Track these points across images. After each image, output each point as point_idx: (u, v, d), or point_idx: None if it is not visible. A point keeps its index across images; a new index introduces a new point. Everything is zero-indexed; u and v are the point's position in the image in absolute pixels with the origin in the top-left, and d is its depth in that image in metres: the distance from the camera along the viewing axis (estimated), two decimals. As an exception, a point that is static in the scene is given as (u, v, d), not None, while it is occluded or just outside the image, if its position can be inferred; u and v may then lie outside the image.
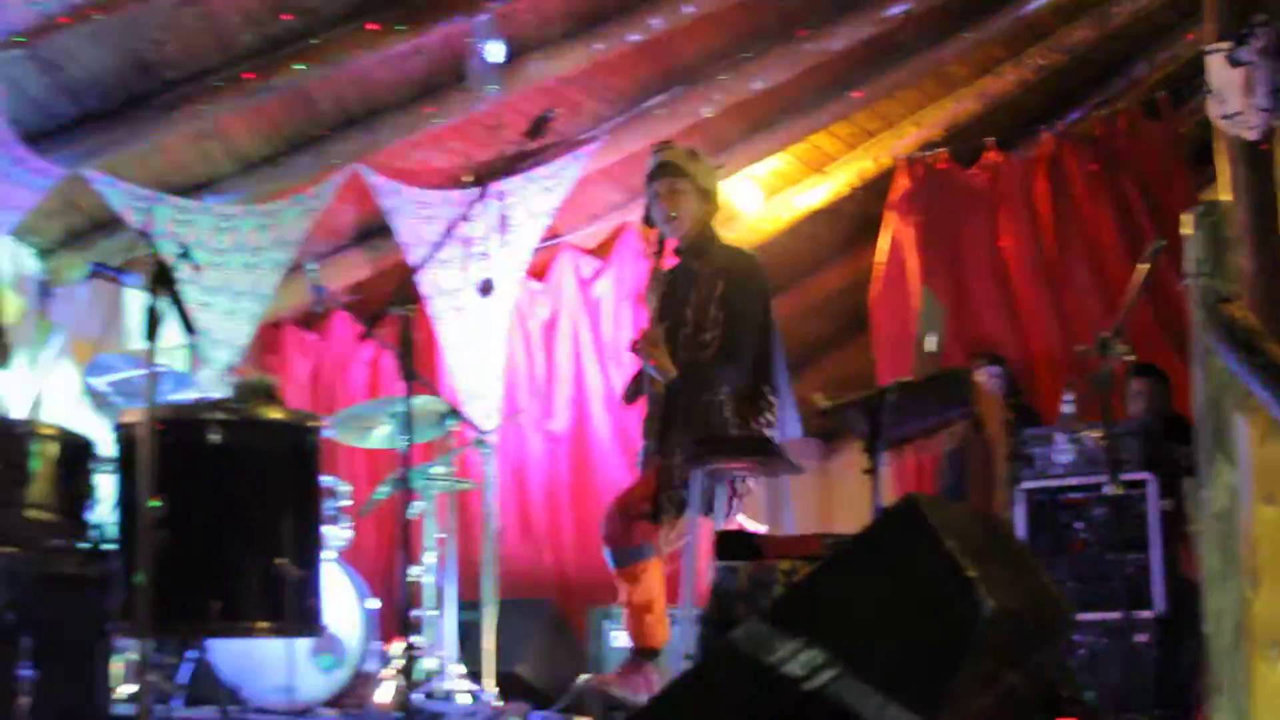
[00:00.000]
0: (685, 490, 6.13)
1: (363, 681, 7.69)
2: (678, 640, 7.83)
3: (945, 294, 10.19)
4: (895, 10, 9.30)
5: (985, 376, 8.54)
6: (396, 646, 7.50)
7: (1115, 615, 6.54)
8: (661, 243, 6.42)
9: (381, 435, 8.10)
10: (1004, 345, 9.82)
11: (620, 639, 8.30)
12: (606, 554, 6.40)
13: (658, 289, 6.43)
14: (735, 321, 6.20)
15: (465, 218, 5.30)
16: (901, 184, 10.70)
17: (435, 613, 7.80)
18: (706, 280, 6.27)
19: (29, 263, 9.52)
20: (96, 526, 5.31)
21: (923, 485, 9.80)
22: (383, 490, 8.35)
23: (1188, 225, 3.58)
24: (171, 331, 4.62)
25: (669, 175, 6.30)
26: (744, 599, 5.60)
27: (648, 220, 6.49)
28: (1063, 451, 7.15)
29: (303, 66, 8.26)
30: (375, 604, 7.87)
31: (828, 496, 14.49)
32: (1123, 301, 5.82)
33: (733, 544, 5.87)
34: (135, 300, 9.85)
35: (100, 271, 8.89)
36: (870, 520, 4.91)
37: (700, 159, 6.44)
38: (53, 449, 5.02)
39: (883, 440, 6.27)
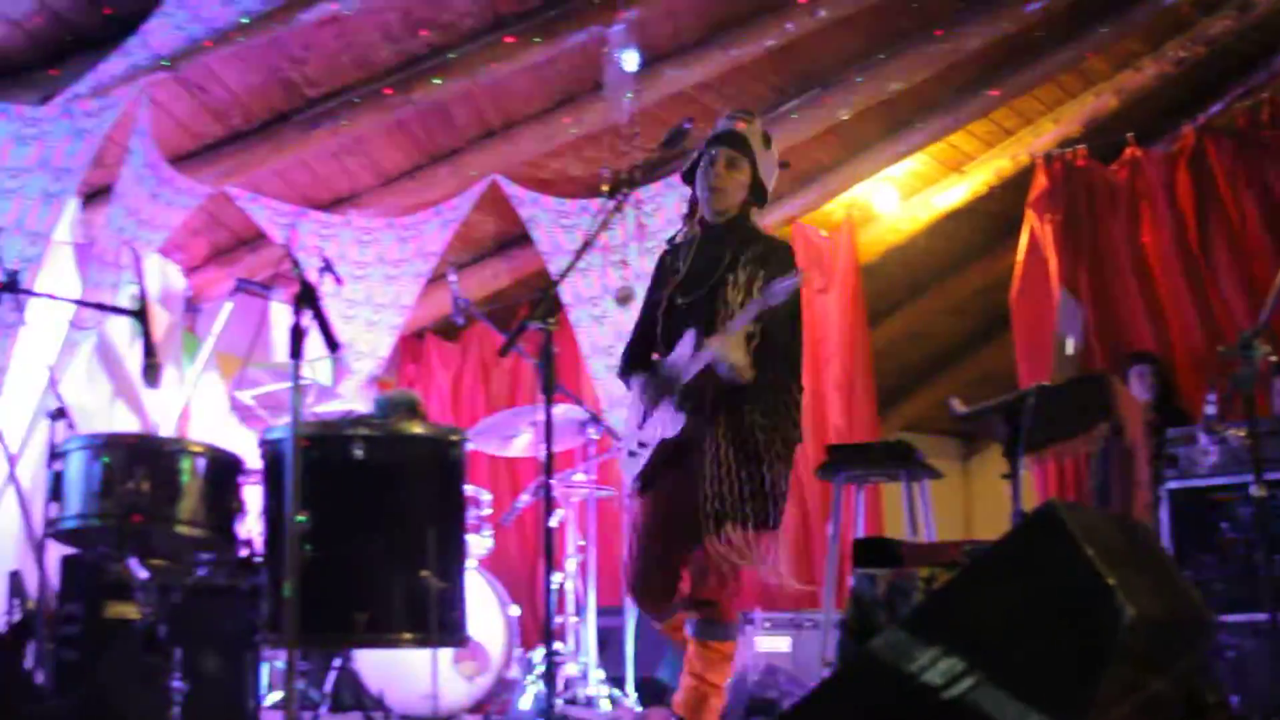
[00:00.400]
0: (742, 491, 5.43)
1: (505, 688, 7.75)
2: (819, 645, 7.85)
3: (1086, 293, 10.09)
4: (1032, 7, 9.20)
5: (1135, 377, 8.43)
6: (538, 653, 7.57)
7: (1263, 616, 6.40)
8: (693, 208, 5.76)
9: (522, 444, 8.17)
10: (1147, 344, 9.68)
11: (765, 644, 8.30)
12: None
13: (673, 260, 5.66)
14: (776, 314, 5.77)
15: (605, 226, 5.25)
16: (1040, 182, 10.56)
17: (576, 619, 7.84)
18: (746, 267, 5.57)
19: (176, 280, 9.70)
20: (244, 540, 5.41)
21: (1065, 489, 9.70)
22: (524, 498, 8.42)
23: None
24: (315, 345, 4.67)
25: (734, 148, 5.63)
26: (883, 606, 5.55)
27: (687, 178, 5.78)
28: (1207, 452, 7.04)
29: (440, 81, 8.34)
30: (517, 611, 7.92)
31: (969, 501, 14.43)
32: (1267, 299, 5.71)
33: (872, 551, 5.82)
34: (280, 315, 10.00)
35: (245, 287, 9.02)
36: (1009, 527, 4.84)
37: (771, 151, 5.78)
38: (202, 465, 5.12)
39: (1022, 445, 6.21)
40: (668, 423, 5.31)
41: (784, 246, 5.70)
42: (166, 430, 8.63)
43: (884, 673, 3.71)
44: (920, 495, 7.73)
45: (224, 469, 5.23)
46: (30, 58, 7.48)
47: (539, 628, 8.41)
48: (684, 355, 5.33)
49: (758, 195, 5.60)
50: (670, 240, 5.78)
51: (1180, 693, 4.26)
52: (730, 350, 5.22)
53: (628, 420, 5.57)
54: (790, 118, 9.81)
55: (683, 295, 5.49)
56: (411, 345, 11.51)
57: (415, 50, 8.31)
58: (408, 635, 5.19)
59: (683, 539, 5.33)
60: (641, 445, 5.42)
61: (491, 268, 10.85)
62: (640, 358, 5.67)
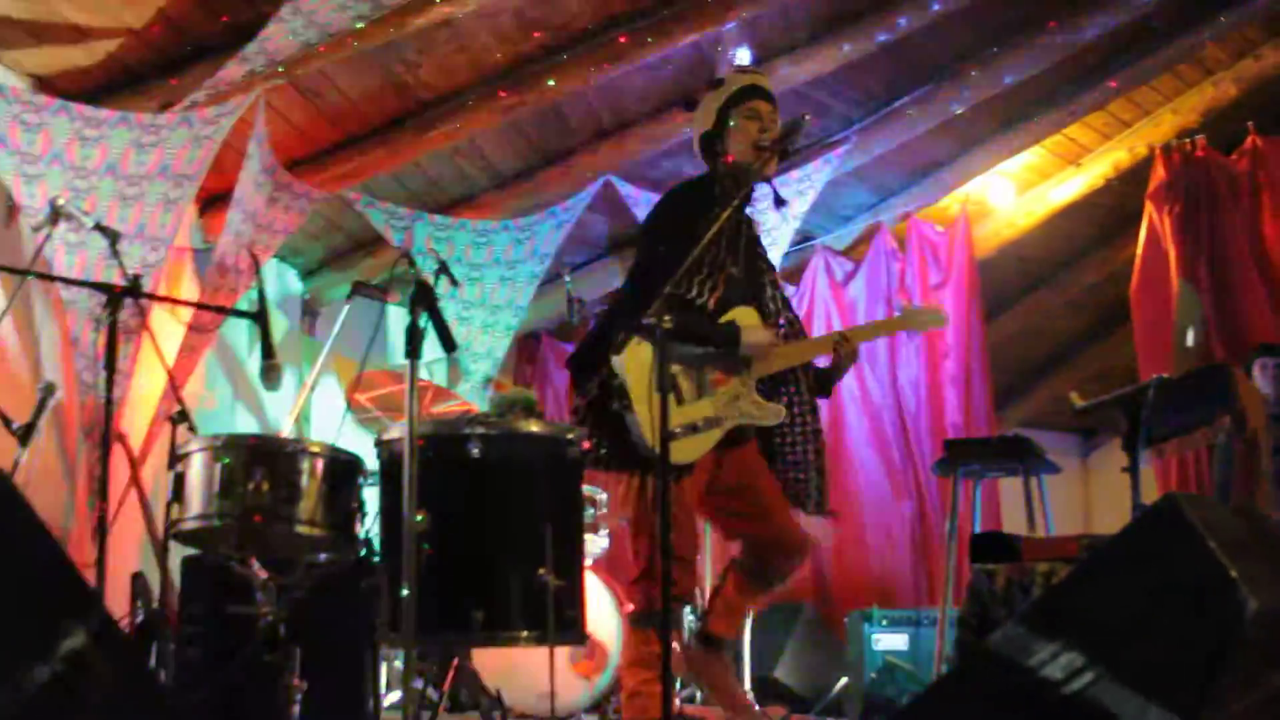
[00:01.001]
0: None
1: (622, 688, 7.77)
2: (937, 641, 7.80)
3: (1207, 284, 9.97)
4: (1148, -4, 9.13)
5: (1259, 369, 8.33)
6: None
7: None
8: (726, 175, 5.41)
9: (641, 442, 8.18)
10: (1268, 336, 9.54)
11: (883, 641, 8.26)
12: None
13: (705, 216, 5.05)
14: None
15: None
16: (1159, 174, 10.45)
17: (692, 618, 7.85)
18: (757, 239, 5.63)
19: (293, 284, 9.82)
20: (364, 540, 5.45)
21: (1186, 483, 9.59)
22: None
23: None
24: (432, 346, 4.71)
25: (770, 102, 5.50)
26: (1002, 601, 5.52)
27: (707, 140, 5.49)
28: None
29: (553, 82, 8.37)
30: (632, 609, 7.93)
31: (1087, 496, 14.29)
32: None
33: (990, 546, 5.79)
34: (395, 317, 10.10)
35: (362, 290, 9.11)
36: (1129, 521, 4.79)
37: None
38: (321, 465, 5.16)
39: (1143, 438, 6.14)
40: (749, 409, 5.28)
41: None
42: (285, 432, 8.72)
43: (1003, 668, 3.68)
44: (1039, 490, 7.67)
45: (343, 469, 5.27)
46: (150, 66, 7.63)
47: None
48: (760, 335, 5.31)
49: (791, 152, 5.54)
50: (679, 194, 5.55)
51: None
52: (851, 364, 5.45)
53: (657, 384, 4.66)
54: (904, 113, 9.77)
55: (735, 265, 5.38)
56: (527, 346, 11.59)
57: (529, 52, 8.37)
58: (525, 634, 5.19)
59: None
60: (695, 427, 5.26)
61: (605, 268, 10.89)
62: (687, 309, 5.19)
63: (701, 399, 5.24)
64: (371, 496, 5.42)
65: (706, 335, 5.24)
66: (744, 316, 5.32)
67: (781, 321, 5.45)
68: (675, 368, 5.17)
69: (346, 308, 9.01)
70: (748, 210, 5.58)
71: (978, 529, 7.91)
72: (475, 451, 5.16)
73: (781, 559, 5.46)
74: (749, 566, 5.53)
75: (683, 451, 5.16)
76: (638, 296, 5.13)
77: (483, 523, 5.20)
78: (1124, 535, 3.83)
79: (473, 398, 9.65)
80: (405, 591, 4.37)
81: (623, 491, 5.37)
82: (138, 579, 6.48)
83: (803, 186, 9.72)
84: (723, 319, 5.29)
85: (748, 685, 8.10)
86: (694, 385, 5.24)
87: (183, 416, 5.95)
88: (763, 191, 5.59)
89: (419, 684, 7.08)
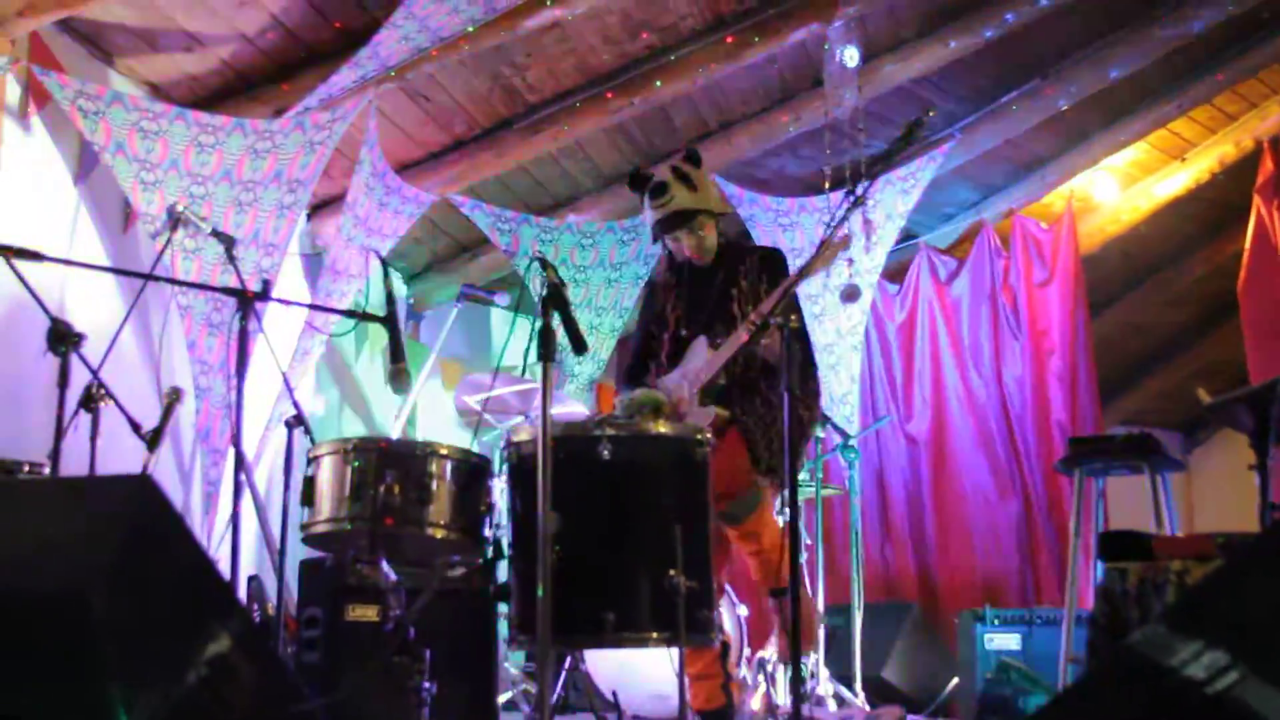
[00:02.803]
0: None
1: (735, 688, 7.75)
2: (1062, 641, 7.73)
3: (1319, 279, 9.88)
4: (1256, -11, 9.02)
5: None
6: (767, 652, 7.56)
7: None
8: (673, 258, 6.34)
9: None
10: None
11: (996, 640, 8.21)
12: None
13: (662, 298, 6.37)
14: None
15: (844, 221, 5.21)
16: (1267, 167, 10.33)
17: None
18: (746, 278, 6.11)
19: (399, 287, 9.86)
20: (493, 542, 5.46)
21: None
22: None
23: None
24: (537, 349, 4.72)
25: (683, 226, 6.11)
26: (1135, 600, 5.47)
27: (659, 240, 6.31)
28: None
29: (660, 83, 8.37)
30: (745, 611, 7.92)
31: (1191, 494, 14.16)
32: None
33: (1121, 544, 5.72)
34: (500, 320, 10.13)
35: (468, 293, 9.14)
36: (1259, 519, 4.73)
37: (692, 176, 6.19)
38: (450, 468, 5.18)
39: (1273, 435, 6.07)
40: (694, 417, 5.86)
41: (778, 252, 6.28)
42: (393, 435, 8.76)
43: (1143, 668, 3.63)
44: (1162, 487, 7.59)
45: (472, 471, 5.29)
46: (264, 72, 7.68)
47: (766, 628, 8.39)
48: (692, 361, 6.03)
49: (722, 217, 6.35)
50: (649, 280, 6.54)
51: None
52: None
53: None
54: (1009, 109, 9.73)
55: (686, 328, 6.16)
56: (630, 348, 11.58)
57: (635, 53, 8.39)
58: (656, 635, 5.19)
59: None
60: None
61: (709, 268, 10.89)
62: (637, 379, 6.37)
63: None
64: (502, 499, 5.45)
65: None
66: (693, 347, 6.08)
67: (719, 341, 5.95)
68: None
69: (454, 311, 9.06)
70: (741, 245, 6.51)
71: (1100, 528, 7.83)
72: (605, 453, 5.16)
73: None
74: None
75: None
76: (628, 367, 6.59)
77: (613, 524, 5.20)
78: (1269, 532, 3.79)
79: (578, 399, 9.66)
80: (540, 592, 4.37)
81: None
82: (253, 582, 6.53)
83: (907, 185, 9.68)
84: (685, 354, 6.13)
85: (859, 686, 8.08)
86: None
87: (298, 420, 5.97)
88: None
89: (529, 686, 7.12)
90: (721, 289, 6.06)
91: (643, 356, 6.38)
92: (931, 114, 5.25)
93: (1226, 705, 3.48)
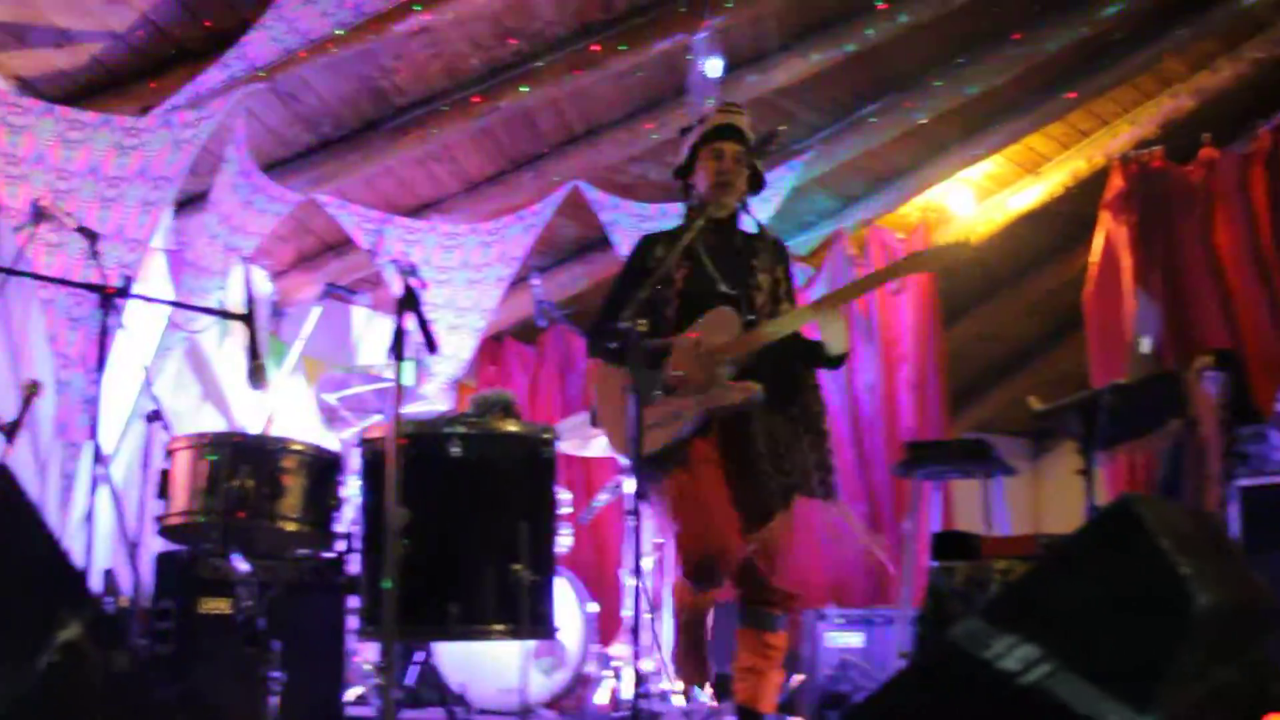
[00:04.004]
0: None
1: (582, 683, 7.89)
2: (895, 638, 7.95)
3: (1160, 293, 10.13)
4: (1109, 11, 9.27)
5: (1208, 378, 8.45)
6: (615, 649, 7.70)
7: None
8: (694, 206, 5.62)
9: (601, 444, 8.30)
10: (1219, 343, 9.70)
11: (838, 639, 8.40)
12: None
13: (666, 251, 5.42)
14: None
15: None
16: (1116, 183, 10.60)
17: (651, 616, 7.96)
18: (768, 251, 5.64)
19: (262, 284, 9.89)
20: (342, 535, 5.57)
21: (1137, 485, 9.74)
22: (602, 498, 8.55)
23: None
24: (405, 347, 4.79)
25: (737, 141, 5.56)
26: (961, 597, 5.67)
27: (681, 172, 5.69)
28: (1277, 448, 7.09)
29: (527, 89, 8.49)
30: (595, 608, 8.05)
31: (1038, 499, 14.47)
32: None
33: (951, 544, 5.94)
34: (363, 319, 10.19)
35: (331, 291, 9.20)
36: (1081, 522, 4.91)
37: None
38: (303, 463, 5.29)
39: (1098, 441, 6.32)
40: (719, 393, 5.20)
41: (783, 243, 5.76)
42: (253, 432, 8.81)
43: (961, 659, 3.80)
44: (995, 492, 7.83)
45: (324, 466, 5.40)
46: (132, 70, 7.70)
47: (615, 624, 8.53)
48: (718, 331, 5.28)
49: (755, 185, 5.64)
50: (651, 234, 5.70)
51: (1249, 682, 4.36)
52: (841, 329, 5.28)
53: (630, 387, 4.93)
54: (868, 121, 9.93)
55: (699, 288, 5.41)
56: (490, 347, 11.65)
57: (503, 59, 8.48)
58: (499, 627, 5.32)
59: (747, 519, 5.24)
60: (668, 419, 5.23)
61: (570, 271, 11.01)
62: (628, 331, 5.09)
63: (667, 396, 5.23)
64: (353, 494, 5.55)
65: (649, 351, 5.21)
66: (718, 314, 5.33)
67: (751, 317, 5.36)
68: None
69: (316, 309, 9.11)
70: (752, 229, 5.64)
71: (935, 529, 8.06)
72: (455, 450, 5.30)
73: (755, 597, 5.42)
74: (738, 599, 5.46)
75: (645, 444, 5.04)
76: (600, 317, 5.45)
77: (460, 519, 5.33)
78: (1081, 534, 3.97)
79: (437, 398, 9.75)
80: (387, 585, 4.47)
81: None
82: (108, 575, 6.57)
83: (767, 193, 9.83)
84: (700, 320, 5.31)
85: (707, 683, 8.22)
86: (654, 382, 5.22)
87: (157, 415, 6.03)
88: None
89: (378, 680, 7.19)
90: (742, 260, 5.56)
91: (621, 309, 5.15)
92: (779, 132, 5.39)
93: (1037, 696, 3.68)
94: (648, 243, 5.61)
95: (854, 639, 8.39)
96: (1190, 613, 3.42)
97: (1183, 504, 6.90)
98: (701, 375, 5.22)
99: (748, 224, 5.58)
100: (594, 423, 5.44)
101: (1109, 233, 10.55)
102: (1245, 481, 7.24)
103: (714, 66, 8.49)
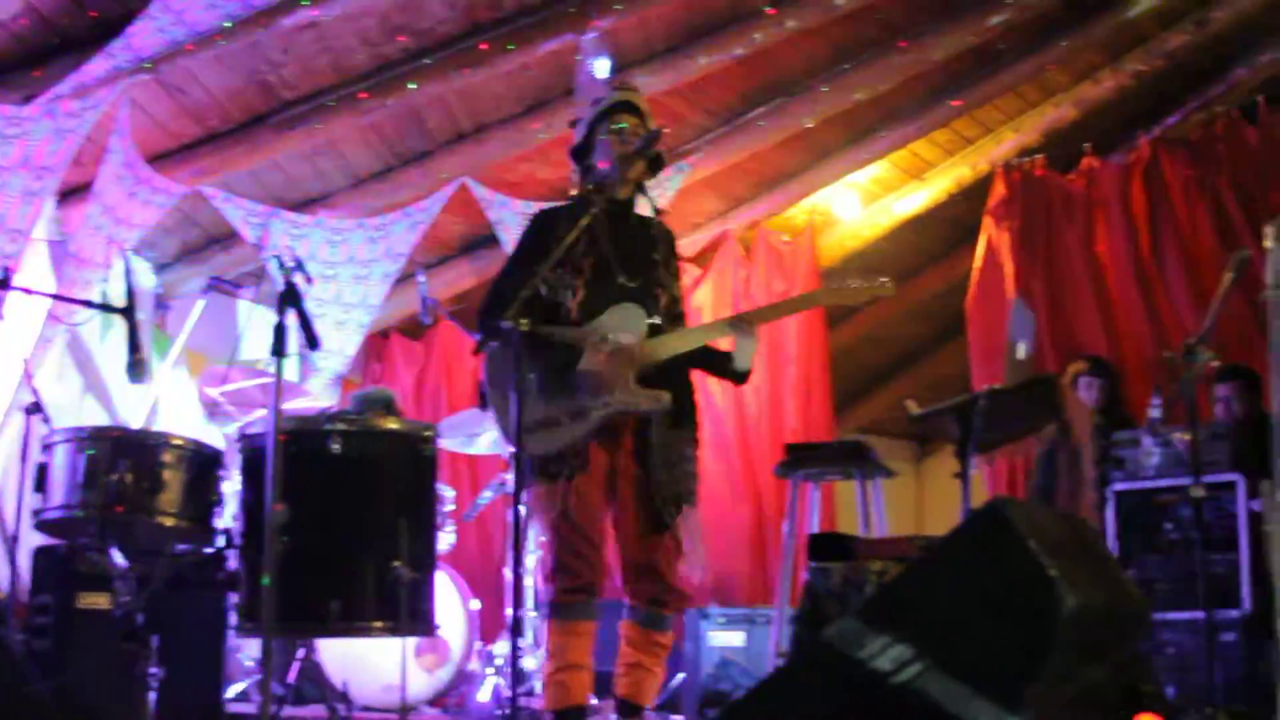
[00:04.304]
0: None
1: (464, 681, 7.90)
2: (773, 638, 8.02)
3: (1041, 299, 10.29)
4: (994, 20, 9.40)
5: (1084, 385, 8.55)
6: (498, 646, 7.72)
7: (1202, 614, 6.51)
8: (594, 186, 5.43)
9: (486, 441, 8.32)
10: (1099, 349, 9.86)
11: (719, 638, 8.46)
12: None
13: (566, 229, 5.20)
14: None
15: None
16: (999, 190, 10.75)
17: (535, 614, 7.98)
18: (663, 242, 5.61)
19: (146, 277, 9.82)
20: (222, 531, 5.55)
21: (1015, 489, 9.88)
22: (486, 495, 8.57)
23: (1269, 238, 3.67)
24: (289, 342, 4.77)
25: (637, 116, 5.53)
26: (836, 598, 5.72)
27: (579, 152, 5.60)
28: (1151, 454, 7.21)
29: (415, 85, 8.48)
30: (477, 605, 8.06)
31: (922, 501, 14.65)
32: (1211, 307, 5.91)
33: (827, 546, 5.99)
34: (248, 313, 10.13)
35: (215, 285, 9.15)
36: (958, 522, 4.98)
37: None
38: (183, 458, 5.27)
39: (973, 445, 6.40)
40: (627, 397, 5.16)
41: (671, 232, 5.72)
42: (135, 426, 8.74)
43: (835, 659, 3.85)
44: (874, 493, 7.91)
45: (205, 462, 5.39)
46: (14, 58, 7.60)
47: (499, 622, 8.54)
48: (625, 329, 5.24)
49: (655, 165, 5.59)
50: (545, 212, 5.61)
51: (1117, 683, 4.44)
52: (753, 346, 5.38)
53: (514, 385, 4.83)
54: (756, 125, 10.00)
55: (605, 276, 5.34)
56: (376, 344, 11.62)
57: (391, 55, 8.45)
58: (378, 624, 5.33)
59: (647, 523, 5.28)
60: (557, 421, 5.19)
61: (457, 268, 10.99)
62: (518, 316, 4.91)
63: (570, 392, 5.17)
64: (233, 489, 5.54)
65: (553, 343, 5.20)
66: (623, 311, 5.30)
67: (657, 320, 5.35)
68: (540, 364, 5.16)
69: (200, 302, 9.05)
70: (643, 214, 5.60)
71: (815, 530, 8.12)
72: (335, 447, 5.31)
73: (655, 598, 5.36)
74: (630, 610, 5.40)
75: (541, 442, 5.14)
76: (490, 303, 5.29)
77: (340, 516, 5.34)
78: (953, 536, 4.04)
79: (322, 395, 9.72)
80: (266, 581, 4.47)
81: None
82: (-15, 569, 6.52)
83: (655, 194, 9.86)
84: (604, 315, 5.26)
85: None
86: (559, 380, 5.18)
87: (37, 408, 5.99)
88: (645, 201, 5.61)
89: (259, 677, 7.17)
90: (646, 253, 5.51)
91: (519, 293, 4.96)
92: (663, 130, 5.41)
93: (910, 696, 3.74)
94: (547, 219, 5.50)
95: (735, 638, 8.46)
96: (1059, 614, 3.49)
97: (1055, 508, 7.01)
98: (609, 375, 5.20)
99: (642, 207, 5.57)
100: (483, 407, 5.37)
101: (991, 239, 10.69)
102: (1120, 486, 7.37)
103: (602, 67, 8.53)
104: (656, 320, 5.35)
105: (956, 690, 3.63)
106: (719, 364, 5.56)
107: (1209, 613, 5.46)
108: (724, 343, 5.51)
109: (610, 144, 5.46)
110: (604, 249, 5.37)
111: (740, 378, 5.55)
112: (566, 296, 5.29)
